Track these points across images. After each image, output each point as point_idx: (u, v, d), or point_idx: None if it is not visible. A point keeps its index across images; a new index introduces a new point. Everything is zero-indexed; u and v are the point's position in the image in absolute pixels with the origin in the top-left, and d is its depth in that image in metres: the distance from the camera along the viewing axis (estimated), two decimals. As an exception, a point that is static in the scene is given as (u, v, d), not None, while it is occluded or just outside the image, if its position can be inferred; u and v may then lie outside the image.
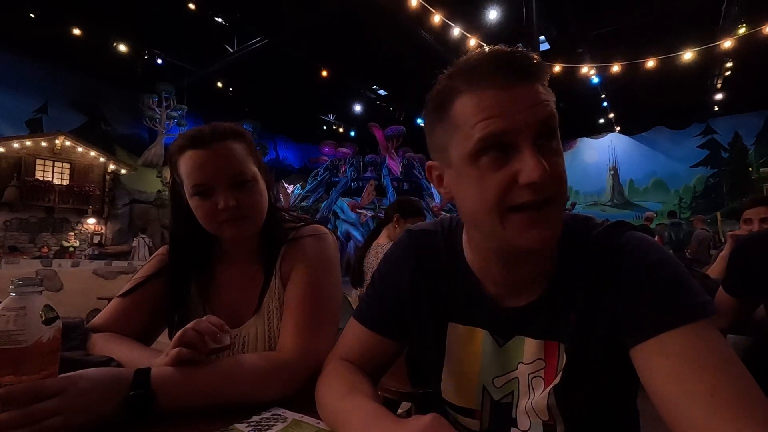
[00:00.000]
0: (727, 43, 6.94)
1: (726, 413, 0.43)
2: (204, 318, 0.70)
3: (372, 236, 2.52)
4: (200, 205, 0.82)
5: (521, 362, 0.61)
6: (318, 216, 12.42)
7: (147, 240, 10.74)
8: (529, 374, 0.61)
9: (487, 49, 0.54)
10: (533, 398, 0.60)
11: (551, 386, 0.58)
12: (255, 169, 0.86)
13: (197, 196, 0.82)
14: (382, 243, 2.39)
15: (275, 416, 0.61)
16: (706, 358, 0.46)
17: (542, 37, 9.81)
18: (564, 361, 0.57)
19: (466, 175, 0.53)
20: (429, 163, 0.62)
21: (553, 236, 0.52)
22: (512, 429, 0.62)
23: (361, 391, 0.60)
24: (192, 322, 0.69)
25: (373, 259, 2.36)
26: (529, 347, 0.61)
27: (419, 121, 15.68)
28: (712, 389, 0.44)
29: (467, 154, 0.52)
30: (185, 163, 0.82)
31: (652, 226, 8.81)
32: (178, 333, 0.68)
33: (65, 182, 11.36)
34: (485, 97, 0.50)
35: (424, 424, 0.45)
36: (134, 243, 10.74)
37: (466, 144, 0.52)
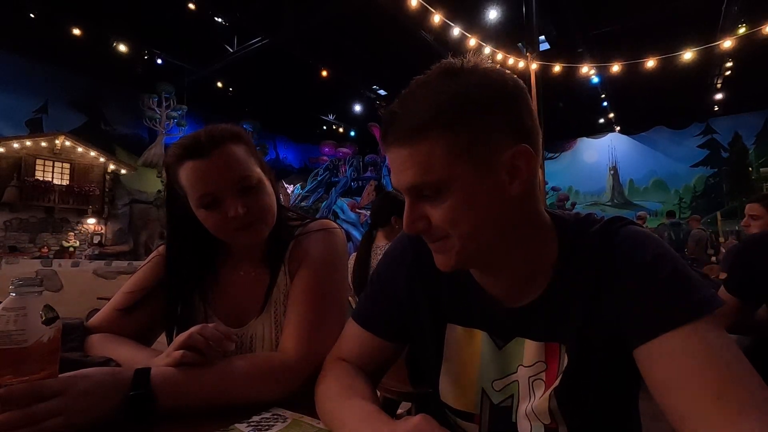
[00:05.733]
0: (727, 43, 6.93)
1: (732, 415, 0.42)
2: (212, 325, 0.70)
3: (367, 240, 2.44)
4: (209, 217, 0.79)
5: (521, 365, 0.61)
6: (318, 216, 12.38)
7: None
8: (529, 377, 0.60)
9: (487, 50, 0.54)
10: (534, 401, 0.59)
11: (552, 388, 0.57)
12: (259, 171, 0.83)
13: (204, 209, 0.79)
14: (383, 244, 2.36)
15: (275, 416, 0.61)
16: (711, 358, 0.46)
17: (542, 37, 9.81)
18: (565, 363, 0.57)
19: None
20: None
21: (452, 262, 0.56)
22: None
23: (358, 393, 0.60)
24: (198, 327, 0.68)
25: (376, 262, 2.31)
26: (530, 349, 0.60)
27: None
28: (718, 390, 0.43)
29: None
30: (186, 175, 0.78)
31: (648, 226, 8.80)
32: (183, 336, 0.67)
33: (65, 182, 11.35)
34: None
35: (413, 425, 0.45)
36: None
37: None
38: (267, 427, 0.56)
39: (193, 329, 0.68)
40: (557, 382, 0.57)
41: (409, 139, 0.52)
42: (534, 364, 0.60)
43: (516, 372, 0.61)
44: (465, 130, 0.51)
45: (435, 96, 0.52)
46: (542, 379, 0.59)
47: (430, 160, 0.51)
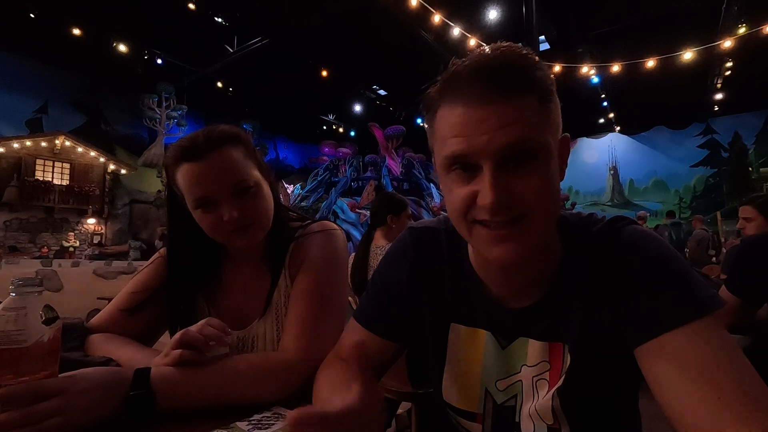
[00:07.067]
0: (727, 43, 6.94)
1: (733, 416, 0.42)
2: (206, 320, 0.70)
3: (366, 240, 2.46)
4: (204, 218, 0.80)
5: (525, 365, 0.61)
6: (318, 216, 12.40)
7: None
8: (533, 377, 0.60)
9: (487, 49, 0.51)
10: (537, 401, 0.59)
11: (555, 388, 0.57)
12: (256, 173, 0.83)
13: (200, 210, 0.79)
14: (381, 244, 2.37)
15: (276, 415, 0.61)
16: (711, 358, 0.46)
17: (542, 37, 9.81)
18: (568, 363, 0.57)
19: (443, 182, 0.55)
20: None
21: (521, 251, 0.51)
22: None
23: (351, 387, 0.60)
24: (195, 325, 0.69)
25: (375, 262, 2.34)
26: (533, 349, 0.60)
27: (419, 121, 15.68)
28: (718, 391, 0.43)
29: (440, 165, 0.54)
30: (183, 177, 0.78)
31: (647, 226, 8.78)
32: (180, 334, 0.67)
33: (65, 182, 11.36)
34: (456, 113, 0.50)
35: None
36: None
37: (440, 155, 0.53)
38: (267, 426, 0.57)
39: (190, 327, 0.68)
40: (560, 382, 0.57)
41: (516, 93, 0.48)
42: (538, 364, 0.60)
43: (520, 372, 0.61)
44: (549, 100, 0.51)
45: (525, 61, 0.50)
46: (546, 379, 0.59)
47: (531, 118, 0.48)
